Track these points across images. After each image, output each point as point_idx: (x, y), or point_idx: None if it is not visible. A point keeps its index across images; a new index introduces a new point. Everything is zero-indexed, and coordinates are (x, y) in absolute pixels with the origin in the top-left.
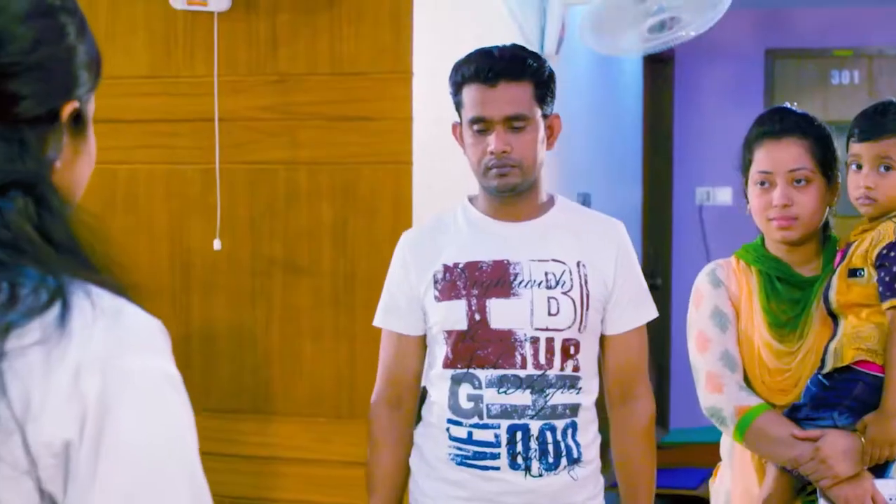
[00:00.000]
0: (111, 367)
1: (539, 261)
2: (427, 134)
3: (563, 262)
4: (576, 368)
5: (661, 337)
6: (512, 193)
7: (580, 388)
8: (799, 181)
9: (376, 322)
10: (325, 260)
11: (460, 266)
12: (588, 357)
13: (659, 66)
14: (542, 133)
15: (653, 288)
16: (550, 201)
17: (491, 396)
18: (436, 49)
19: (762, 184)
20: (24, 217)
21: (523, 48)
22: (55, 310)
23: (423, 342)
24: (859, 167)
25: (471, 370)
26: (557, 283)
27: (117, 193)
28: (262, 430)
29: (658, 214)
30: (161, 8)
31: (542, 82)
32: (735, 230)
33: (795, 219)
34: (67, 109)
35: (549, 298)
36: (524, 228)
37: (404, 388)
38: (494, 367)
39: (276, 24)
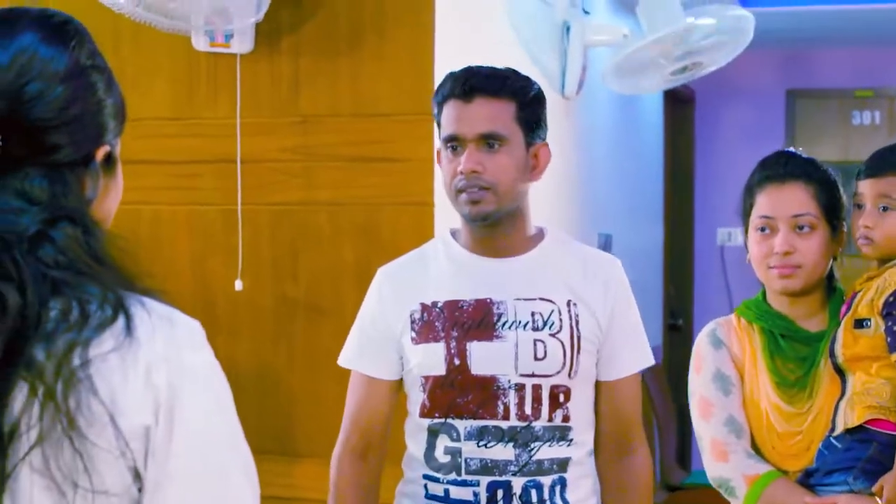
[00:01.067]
0: (173, 363)
1: (525, 300)
2: None
3: (552, 301)
4: (566, 418)
5: (683, 377)
6: (488, 223)
7: (571, 440)
8: (802, 228)
9: (342, 361)
10: (348, 301)
11: (439, 305)
12: (580, 406)
13: (680, 107)
14: (522, 159)
15: (674, 328)
16: (539, 235)
17: (470, 450)
18: None
19: (763, 230)
20: (76, 244)
21: (514, 71)
22: (121, 321)
23: (395, 387)
24: (860, 206)
25: (448, 420)
26: (545, 323)
27: (140, 234)
28: (286, 471)
29: (679, 255)
30: (184, 50)
31: (526, 103)
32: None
33: (798, 267)
34: (100, 153)
35: (535, 341)
36: (510, 265)
37: (372, 437)
38: (474, 417)
39: (299, 66)
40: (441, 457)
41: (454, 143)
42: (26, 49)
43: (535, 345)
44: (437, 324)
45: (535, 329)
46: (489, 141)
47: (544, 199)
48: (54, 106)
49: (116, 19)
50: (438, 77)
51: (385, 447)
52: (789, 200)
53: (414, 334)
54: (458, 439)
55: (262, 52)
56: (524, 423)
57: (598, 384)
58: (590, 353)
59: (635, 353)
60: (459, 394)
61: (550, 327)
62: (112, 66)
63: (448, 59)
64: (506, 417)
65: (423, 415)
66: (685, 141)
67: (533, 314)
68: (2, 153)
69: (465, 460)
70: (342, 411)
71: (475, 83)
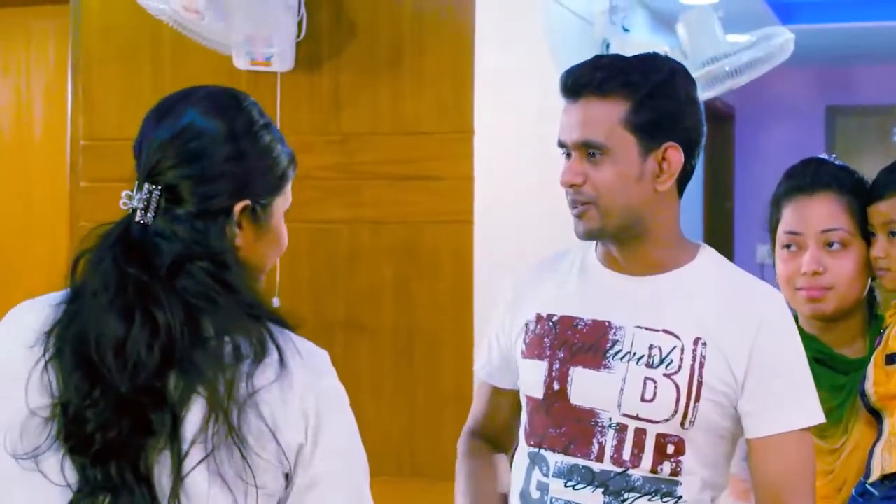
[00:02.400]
0: (319, 390)
1: (647, 329)
2: (489, 192)
3: (677, 336)
4: (675, 472)
5: None
6: (598, 240)
7: (679, 499)
8: (832, 244)
9: (474, 366)
10: (387, 319)
11: (554, 319)
12: (698, 462)
13: (720, 123)
14: (635, 168)
15: None
16: (690, 254)
17: (557, 489)
18: (497, 108)
19: (789, 247)
20: (208, 276)
21: (650, 57)
22: (275, 354)
23: (518, 398)
24: (873, 235)
25: (541, 451)
26: (662, 361)
27: None
28: None
29: None
30: (225, 68)
31: (644, 100)
32: None
33: (828, 289)
34: (238, 207)
35: (646, 379)
36: (640, 286)
37: (494, 432)
38: (565, 452)
39: (339, 84)
40: (534, 491)
41: (562, 148)
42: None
43: (644, 383)
44: (546, 339)
45: (650, 365)
46: (589, 150)
47: None
48: (207, 163)
49: (157, 39)
50: (478, 95)
51: (509, 446)
52: (818, 214)
53: (524, 347)
54: (547, 474)
55: (303, 71)
56: (619, 469)
57: (748, 442)
58: (716, 404)
59: (789, 407)
60: (554, 423)
61: (667, 366)
62: (152, 85)
63: (488, 78)
64: (599, 459)
65: (525, 439)
66: (725, 158)
67: (651, 347)
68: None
69: (552, 499)
70: (381, 429)
71: (581, 78)
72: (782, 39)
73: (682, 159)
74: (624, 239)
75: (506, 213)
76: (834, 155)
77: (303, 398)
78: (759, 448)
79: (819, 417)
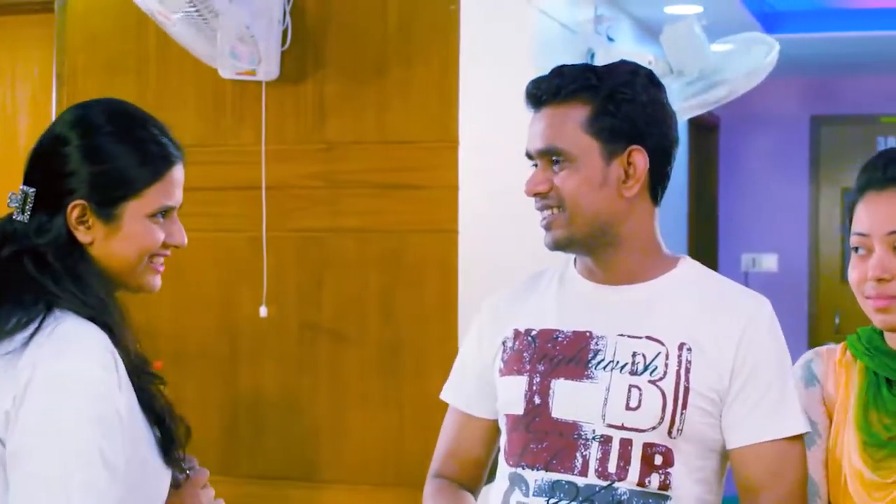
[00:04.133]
0: (45, 367)
1: (630, 337)
2: (474, 202)
3: (661, 342)
4: (664, 486)
5: None
6: (572, 251)
7: None
8: None
9: (443, 394)
10: (372, 328)
11: (533, 333)
12: (688, 474)
13: (704, 133)
14: (598, 173)
15: None
16: (671, 263)
17: None
18: (482, 118)
19: (857, 249)
20: (30, 264)
21: (611, 63)
22: (29, 331)
23: (493, 428)
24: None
25: (520, 470)
26: (646, 368)
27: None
28: (310, 498)
29: None
30: (210, 77)
31: (605, 103)
32: (781, 298)
33: None
34: (70, 208)
35: (630, 387)
36: (621, 295)
37: (462, 468)
38: (546, 468)
39: (324, 94)
40: None
41: (530, 160)
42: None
43: (629, 391)
44: (525, 354)
45: (634, 373)
46: (553, 157)
47: None
48: (32, 172)
49: (142, 50)
50: (463, 105)
51: (478, 484)
52: (886, 213)
53: (502, 364)
54: (527, 494)
55: (288, 80)
56: (605, 483)
57: (730, 453)
58: (702, 412)
59: (775, 415)
60: (535, 439)
61: (652, 373)
62: (137, 95)
63: (473, 87)
64: (583, 473)
65: (503, 461)
66: (710, 167)
67: (634, 355)
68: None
69: None
70: (366, 437)
71: (542, 86)
72: (764, 42)
73: (648, 163)
74: (596, 248)
75: (491, 222)
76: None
77: (23, 369)
78: (737, 458)
79: (801, 427)
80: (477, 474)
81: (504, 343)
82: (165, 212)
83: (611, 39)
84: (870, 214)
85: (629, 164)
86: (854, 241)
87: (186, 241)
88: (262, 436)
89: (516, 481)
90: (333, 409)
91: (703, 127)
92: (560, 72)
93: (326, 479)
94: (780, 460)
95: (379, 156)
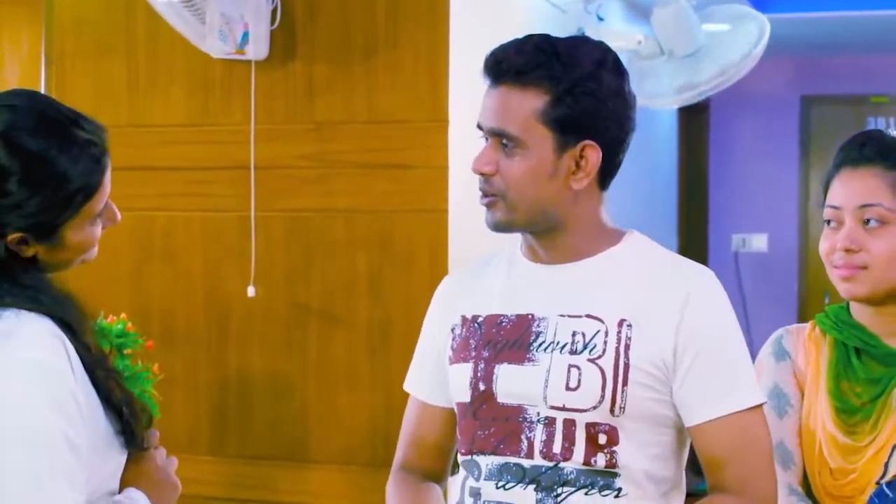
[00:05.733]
0: None
1: (569, 316)
2: (463, 182)
3: (600, 320)
4: (611, 465)
5: None
6: (509, 232)
7: (619, 491)
8: (869, 221)
9: (404, 384)
10: (361, 309)
11: (479, 320)
12: (638, 453)
13: (694, 114)
14: (547, 165)
15: None
16: (615, 239)
17: (488, 491)
18: (472, 98)
19: (829, 222)
20: None
21: (577, 44)
22: None
23: (454, 416)
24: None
25: (473, 456)
26: (585, 346)
27: (154, 240)
28: (298, 478)
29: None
30: (199, 57)
31: (564, 94)
32: (771, 277)
33: (863, 268)
34: (9, 240)
35: (570, 367)
36: (561, 273)
37: (426, 458)
38: (494, 453)
39: (313, 73)
40: (466, 499)
41: (480, 131)
42: None
43: (568, 371)
44: (471, 341)
45: (573, 352)
46: (502, 140)
47: None
48: None
49: (131, 30)
50: (453, 85)
51: (442, 474)
52: (858, 188)
53: (451, 352)
54: (478, 478)
55: (277, 60)
56: (551, 464)
57: (689, 431)
58: (645, 387)
59: (728, 388)
60: (482, 426)
61: (591, 351)
62: (126, 76)
63: (462, 67)
64: (529, 455)
65: (458, 449)
66: (699, 147)
67: (574, 334)
68: None
69: (484, 503)
70: (355, 418)
71: (503, 62)
72: (758, 32)
73: (600, 158)
74: (538, 231)
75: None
76: (894, 129)
77: None
78: (696, 436)
79: (757, 398)
80: (441, 463)
81: (453, 330)
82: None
83: (601, 19)
84: (843, 189)
85: (581, 157)
86: (827, 213)
87: (120, 217)
88: (251, 416)
89: (469, 467)
90: (322, 389)
91: (693, 108)
92: (523, 49)
93: (314, 460)
94: (740, 434)
95: (368, 136)
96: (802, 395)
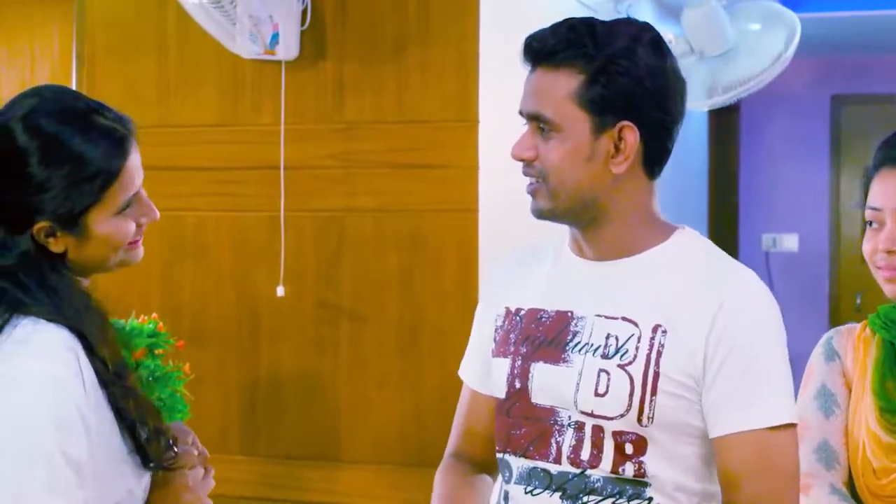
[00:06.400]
0: None
1: (606, 317)
2: (493, 181)
3: (635, 323)
4: (640, 474)
5: None
6: (556, 222)
7: (650, 502)
8: None
9: (459, 370)
10: (391, 308)
11: (521, 312)
12: (667, 462)
13: (724, 114)
14: (585, 147)
15: None
16: (663, 235)
17: (517, 495)
18: (502, 97)
19: (870, 224)
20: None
21: (613, 23)
22: None
23: None
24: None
25: (505, 455)
26: (617, 351)
27: (185, 240)
28: (329, 477)
29: None
30: (229, 57)
31: (599, 74)
32: (802, 277)
33: None
34: (36, 229)
35: (599, 371)
36: (603, 270)
37: (477, 446)
38: (525, 454)
39: (343, 73)
40: (500, 501)
41: (522, 117)
42: None
43: (598, 376)
44: (511, 335)
45: (605, 356)
46: (539, 124)
47: None
48: None
49: (161, 30)
50: (483, 84)
51: (493, 465)
52: None
53: (493, 344)
54: (509, 481)
55: (307, 60)
56: (577, 471)
57: (712, 442)
58: (675, 398)
59: (751, 403)
60: (515, 425)
61: (622, 356)
62: (157, 73)
63: (492, 67)
64: (557, 461)
65: (496, 445)
66: (730, 147)
67: (608, 337)
68: None
69: None
70: (385, 417)
71: (537, 45)
72: (788, 31)
73: (639, 141)
74: (582, 222)
75: (510, 202)
76: None
77: None
78: (716, 448)
79: (784, 417)
80: (492, 453)
81: (496, 321)
82: (132, 197)
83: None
84: (883, 190)
85: (620, 139)
86: (868, 215)
87: (158, 214)
88: (281, 415)
89: (502, 467)
90: (352, 388)
91: (723, 108)
92: (558, 31)
93: (345, 459)
94: (761, 453)
95: (398, 135)
96: (850, 393)
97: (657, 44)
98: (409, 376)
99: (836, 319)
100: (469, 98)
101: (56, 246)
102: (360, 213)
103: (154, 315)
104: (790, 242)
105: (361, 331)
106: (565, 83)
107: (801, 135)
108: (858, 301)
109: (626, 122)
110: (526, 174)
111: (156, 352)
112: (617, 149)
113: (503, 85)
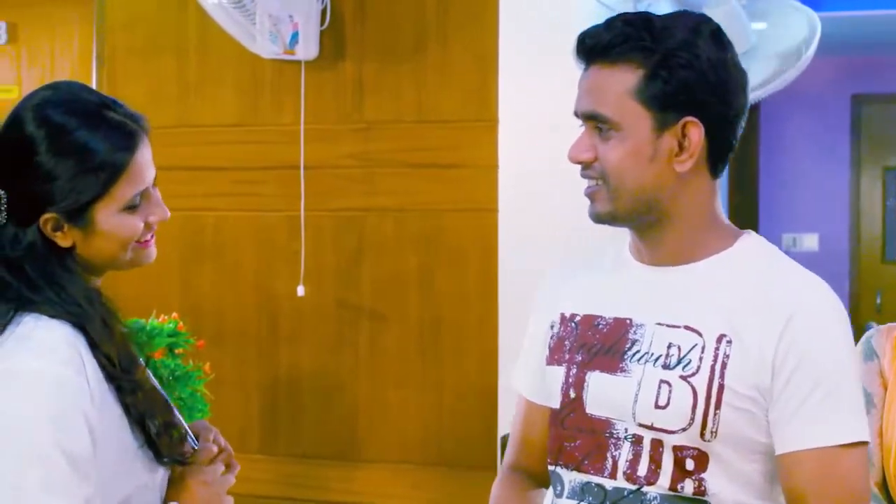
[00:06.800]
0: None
1: (667, 326)
2: (513, 181)
3: (699, 333)
4: (700, 492)
5: None
6: (612, 224)
7: None
8: None
9: (513, 380)
10: (411, 307)
11: (577, 319)
12: (729, 480)
13: None
14: (648, 146)
15: None
16: (728, 240)
17: None
18: (521, 97)
19: None
20: (6, 273)
21: (671, 16)
22: None
23: None
24: None
25: (557, 468)
26: (679, 361)
27: (205, 239)
28: (348, 476)
29: None
30: (249, 57)
31: (660, 68)
32: (822, 277)
33: None
34: (43, 220)
35: (660, 382)
36: (665, 277)
37: (534, 458)
38: (578, 468)
39: (363, 73)
40: None
41: (577, 118)
42: None
43: (659, 387)
44: (566, 342)
45: (666, 366)
46: (598, 124)
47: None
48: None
49: (182, 30)
50: (502, 84)
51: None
52: None
53: (548, 352)
54: (560, 495)
55: (327, 60)
56: (633, 487)
57: (777, 459)
58: (741, 412)
59: (821, 419)
60: (569, 436)
61: (684, 367)
62: (177, 74)
63: (512, 67)
64: (612, 476)
65: (548, 456)
66: (750, 147)
67: (669, 346)
68: None
69: None
70: (405, 417)
71: (591, 41)
72: (808, 28)
73: (704, 136)
74: (642, 225)
75: (530, 201)
76: None
77: None
78: (780, 467)
79: (854, 434)
80: (546, 466)
81: (552, 327)
82: (141, 194)
83: None
84: None
85: (683, 135)
86: None
87: (169, 214)
88: (301, 415)
89: (553, 480)
90: (372, 388)
91: None
92: (614, 25)
93: (365, 458)
94: (829, 472)
95: (417, 135)
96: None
97: (717, 35)
98: (428, 376)
99: (856, 319)
100: (488, 97)
101: (63, 240)
102: (379, 212)
103: (174, 315)
104: (810, 242)
105: (381, 330)
106: (623, 79)
107: (822, 134)
108: (878, 300)
109: (689, 118)
110: (584, 176)
111: (176, 351)
112: (681, 146)
113: (522, 84)
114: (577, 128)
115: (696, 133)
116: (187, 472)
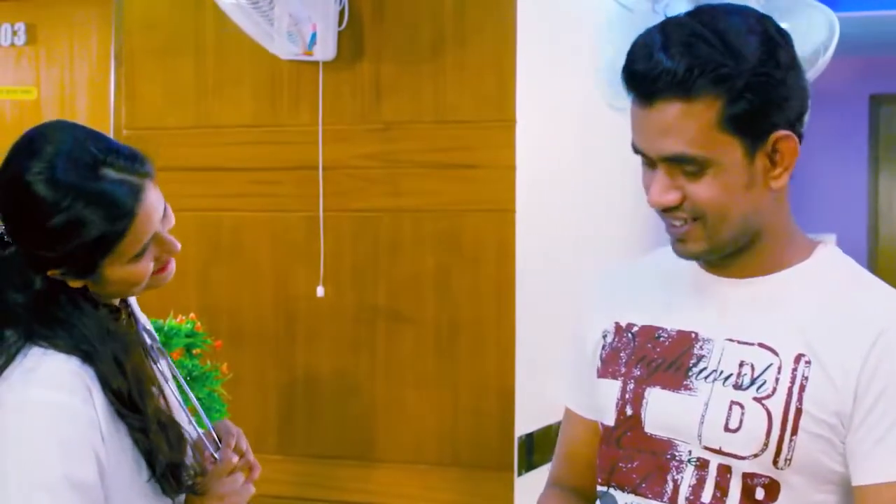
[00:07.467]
0: (6, 397)
1: (739, 342)
2: (531, 182)
3: (774, 352)
4: None
5: None
6: (705, 259)
7: None
8: None
9: (561, 392)
10: (429, 308)
11: (634, 329)
12: None
13: None
14: (742, 173)
15: None
16: (805, 252)
17: None
18: (539, 97)
19: None
20: (19, 308)
21: (733, 27)
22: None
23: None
24: None
25: (610, 489)
26: (753, 382)
27: (222, 240)
28: (366, 477)
29: None
30: (267, 58)
31: (742, 90)
32: None
33: None
34: (51, 274)
35: (731, 403)
36: (737, 289)
37: (579, 473)
38: (635, 491)
39: (381, 73)
40: None
41: (641, 155)
42: None
43: (730, 408)
44: (622, 354)
45: (738, 387)
46: (683, 167)
47: (622, 210)
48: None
49: (200, 31)
50: (521, 84)
51: (594, 491)
52: None
53: (599, 363)
54: None
55: (345, 60)
56: None
57: (854, 490)
58: (818, 439)
59: None
60: (625, 457)
61: (759, 388)
62: (195, 76)
63: (530, 66)
64: (673, 501)
65: (597, 475)
66: None
67: (741, 365)
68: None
69: None
70: (422, 417)
71: (654, 76)
72: (827, 28)
73: (797, 144)
74: (736, 249)
75: (548, 202)
76: None
77: None
78: (861, 499)
79: None
80: (594, 480)
81: (605, 336)
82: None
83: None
84: None
85: (774, 150)
86: None
87: (179, 247)
88: (319, 415)
89: (607, 502)
90: (389, 389)
91: None
92: (672, 52)
93: (382, 459)
94: None
95: (436, 135)
96: None
97: (780, 31)
98: (445, 377)
99: None
100: (506, 98)
101: (74, 283)
102: (398, 213)
103: (192, 315)
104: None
105: (398, 331)
106: (705, 112)
107: (840, 135)
108: None
109: (780, 132)
110: (670, 217)
111: (193, 351)
112: (772, 162)
113: (541, 84)
114: (640, 165)
115: (789, 146)
116: (194, 501)
